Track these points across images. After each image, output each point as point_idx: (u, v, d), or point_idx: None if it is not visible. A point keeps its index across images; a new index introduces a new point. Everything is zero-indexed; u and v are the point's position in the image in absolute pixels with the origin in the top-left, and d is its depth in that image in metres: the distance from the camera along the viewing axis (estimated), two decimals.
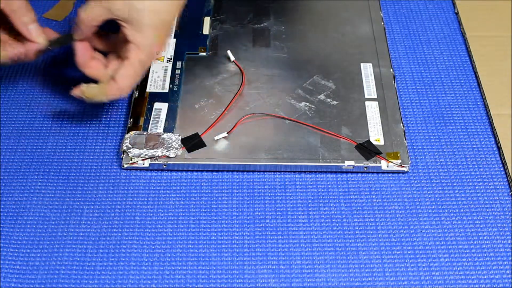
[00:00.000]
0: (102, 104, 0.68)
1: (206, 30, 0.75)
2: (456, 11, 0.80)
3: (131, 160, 0.62)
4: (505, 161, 0.64)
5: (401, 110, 0.66)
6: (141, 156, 0.62)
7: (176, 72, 0.70)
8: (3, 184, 0.62)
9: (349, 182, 0.62)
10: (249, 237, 0.58)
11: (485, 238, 0.58)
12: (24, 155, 0.65)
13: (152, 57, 0.61)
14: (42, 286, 0.55)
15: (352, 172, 0.63)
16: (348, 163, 0.62)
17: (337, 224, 0.59)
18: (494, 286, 0.55)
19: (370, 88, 0.69)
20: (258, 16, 0.76)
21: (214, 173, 0.63)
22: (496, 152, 0.65)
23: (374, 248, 0.57)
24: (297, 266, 0.56)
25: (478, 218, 0.59)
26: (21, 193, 0.62)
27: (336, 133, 0.64)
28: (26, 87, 0.71)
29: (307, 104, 0.67)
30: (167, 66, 0.71)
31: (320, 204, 0.61)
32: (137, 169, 0.63)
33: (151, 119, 0.65)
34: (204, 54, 0.72)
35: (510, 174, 0.63)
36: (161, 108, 0.66)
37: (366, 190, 0.62)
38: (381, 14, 0.77)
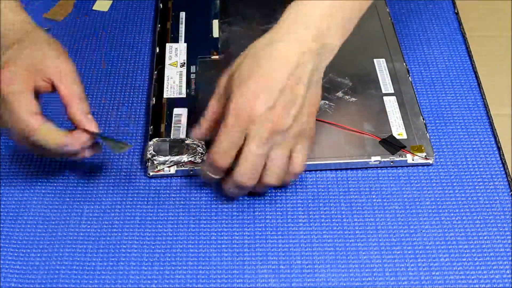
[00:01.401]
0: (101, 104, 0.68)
1: (215, 33, 0.75)
2: (456, 11, 0.80)
3: (157, 167, 0.61)
4: (505, 161, 0.64)
5: (419, 104, 0.67)
6: (167, 163, 0.61)
7: (191, 77, 0.70)
8: (3, 184, 0.62)
9: (349, 182, 0.62)
10: (249, 237, 0.58)
11: (485, 238, 0.58)
12: (24, 155, 0.65)
13: None
14: (42, 286, 0.55)
15: (379, 168, 0.63)
16: (375, 159, 0.62)
17: (337, 224, 0.59)
18: (494, 286, 0.55)
19: (386, 83, 0.69)
20: (265, 17, 0.76)
21: None
22: (496, 152, 0.65)
23: (374, 248, 0.57)
24: (297, 266, 0.56)
25: (478, 218, 0.59)
26: (21, 193, 0.62)
27: (359, 129, 0.64)
28: None
29: (326, 102, 0.67)
30: (181, 71, 0.71)
31: (320, 204, 0.61)
32: (162, 176, 0.62)
33: (172, 125, 0.65)
34: (217, 57, 0.72)
35: (510, 174, 0.63)
36: (181, 114, 0.66)
37: (366, 190, 0.62)
38: (388, 10, 0.77)
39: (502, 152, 0.64)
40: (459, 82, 0.72)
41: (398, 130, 0.65)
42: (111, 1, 0.83)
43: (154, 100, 0.68)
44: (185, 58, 0.72)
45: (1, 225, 0.59)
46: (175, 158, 0.61)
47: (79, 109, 0.56)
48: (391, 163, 0.63)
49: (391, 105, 0.67)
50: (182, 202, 0.61)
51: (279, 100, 0.53)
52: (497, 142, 0.66)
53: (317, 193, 0.61)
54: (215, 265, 0.56)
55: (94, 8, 0.82)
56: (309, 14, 0.54)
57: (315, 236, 0.58)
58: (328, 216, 0.60)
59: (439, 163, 0.64)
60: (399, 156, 0.63)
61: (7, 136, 0.59)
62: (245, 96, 0.53)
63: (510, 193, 0.61)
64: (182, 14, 0.78)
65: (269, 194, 0.61)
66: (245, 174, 0.55)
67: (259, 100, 0.52)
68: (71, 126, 0.56)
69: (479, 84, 0.71)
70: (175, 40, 0.75)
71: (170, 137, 0.64)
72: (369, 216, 0.60)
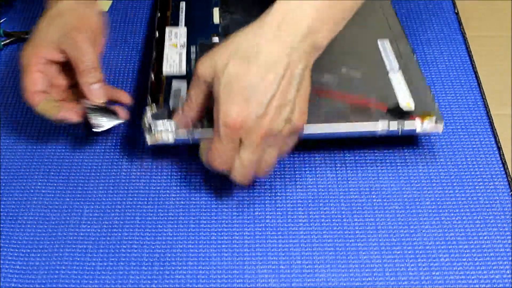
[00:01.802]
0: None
1: (216, 19, 0.74)
2: (456, 11, 0.80)
3: (155, 135, 0.59)
4: (505, 161, 0.64)
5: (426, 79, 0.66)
6: (167, 129, 0.59)
7: (192, 57, 0.69)
8: (3, 184, 0.62)
9: (349, 182, 0.62)
10: (249, 237, 0.58)
11: (485, 238, 0.58)
12: (24, 155, 0.65)
13: None
14: (42, 286, 0.55)
15: (385, 138, 0.61)
16: (382, 126, 0.61)
17: (337, 224, 0.59)
18: (494, 286, 0.55)
19: (390, 60, 0.68)
20: (266, 7, 0.75)
21: (214, 172, 0.63)
22: (496, 152, 0.65)
23: (374, 248, 0.57)
24: (297, 266, 0.56)
25: (478, 218, 0.59)
26: (21, 193, 0.62)
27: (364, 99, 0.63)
28: None
29: (330, 76, 0.66)
30: (181, 52, 0.69)
31: (320, 204, 0.61)
32: (161, 146, 0.60)
33: (171, 96, 0.63)
34: (217, 40, 0.71)
35: (510, 174, 0.63)
36: (180, 88, 0.65)
37: (366, 190, 0.62)
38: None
39: (502, 152, 0.64)
40: (459, 82, 0.72)
41: (405, 101, 0.63)
42: (111, 1, 0.83)
43: (152, 77, 0.66)
44: (185, 40, 0.71)
45: (1, 225, 0.59)
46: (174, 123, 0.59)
47: (83, 80, 0.60)
48: (399, 131, 0.61)
49: (397, 80, 0.65)
50: (182, 202, 0.61)
51: (270, 106, 0.52)
52: (497, 142, 0.66)
53: (317, 193, 0.61)
54: (215, 265, 0.56)
55: None
56: (299, 12, 0.53)
57: (315, 236, 0.58)
58: (328, 216, 0.60)
59: (439, 163, 0.64)
60: (407, 125, 0.61)
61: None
62: (235, 105, 0.51)
63: (510, 193, 0.61)
64: (182, 4, 0.77)
65: (269, 194, 0.61)
66: (240, 176, 0.55)
67: (250, 108, 0.51)
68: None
69: (479, 84, 0.71)
70: (175, 25, 0.74)
71: (169, 105, 0.62)
72: (369, 216, 0.60)
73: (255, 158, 0.54)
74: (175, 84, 0.65)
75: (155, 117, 0.60)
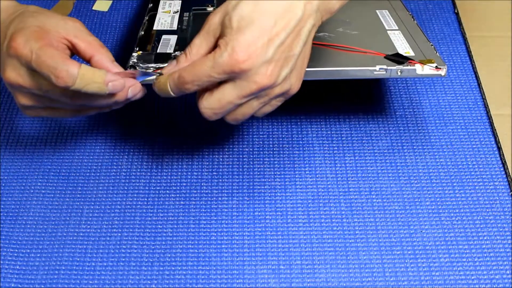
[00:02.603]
0: None
1: None
2: (456, 11, 0.80)
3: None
4: (505, 161, 0.64)
5: (427, 37, 0.64)
6: (150, 69, 0.56)
7: (184, 19, 0.67)
8: (3, 184, 0.62)
9: (349, 182, 0.62)
10: (249, 237, 0.58)
11: (485, 238, 0.58)
12: (24, 155, 0.65)
13: None
14: (42, 286, 0.55)
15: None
16: (380, 67, 0.58)
17: (337, 224, 0.59)
18: (494, 286, 0.55)
19: (390, 23, 0.66)
20: None
21: (214, 172, 0.63)
22: (496, 152, 0.65)
23: (374, 248, 0.57)
24: (297, 266, 0.56)
25: (478, 218, 0.59)
26: (21, 193, 0.62)
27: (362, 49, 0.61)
28: None
29: (326, 33, 0.64)
30: (174, 15, 0.67)
31: (320, 204, 0.61)
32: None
33: (160, 45, 0.61)
34: (211, 9, 0.69)
35: (510, 174, 0.63)
36: (170, 39, 0.62)
37: (366, 190, 0.62)
38: None
39: (502, 152, 0.64)
40: (459, 82, 0.72)
41: (405, 50, 0.61)
42: (111, 1, 0.83)
43: (142, 32, 0.64)
44: (179, 9, 0.69)
45: (1, 225, 0.59)
46: (159, 66, 0.56)
47: (103, 57, 0.53)
48: (399, 73, 0.58)
49: (395, 37, 0.64)
50: (182, 202, 0.61)
51: (277, 53, 0.49)
52: (497, 142, 0.66)
53: (317, 193, 0.61)
54: (215, 265, 0.56)
55: (94, 8, 0.82)
56: None
57: (315, 236, 0.58)
58: (328, 216, 0.60)
59: (439, 163, 0.64)
60: (408, 65, 0.58)
61: (51, 113, 0.55)
62: (244, 42, 0.48)
63: (510, 193, 0.61)
64: None
65: (269, 194, 0.61)
66: (209, 109, 0.52)
67: (259, 50, 0.49)
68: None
69: (479, 84, 0.71)
70: None
71: (157, 52, 0.60)
72: (369, 216, 0.60)
73: (236, 102, 0.51)
74: (165, 36, 0.63)
75: (140, 59, 0.58)
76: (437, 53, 0.61)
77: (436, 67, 0.59)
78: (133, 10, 0.82)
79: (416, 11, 0.80)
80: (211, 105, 0.51)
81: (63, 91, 0.51)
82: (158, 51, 0.60)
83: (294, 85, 0.52)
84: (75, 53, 0.55)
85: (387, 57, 0.60)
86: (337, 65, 0.59)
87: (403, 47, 0.62)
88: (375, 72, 0.58)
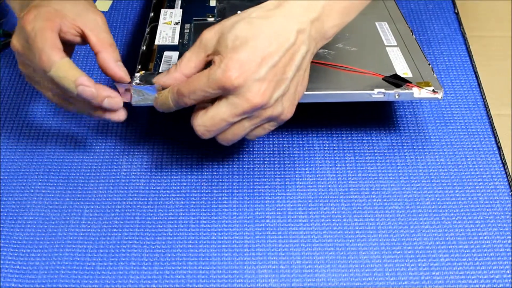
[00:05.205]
0: None
1: (213, 2, 0.73)
2: (456, 11, 0.80)
3: (143, 96, 0.57)
4: (505, 161, 0.64)
5: (425, 55, 0.65)
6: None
7: (185, 31, 0.68)
8: (3, 184, 0.62)
9: (349, 182, 0.62)
10: (249, 237, 0.58)
11: (485, 238, 0.58)
12: (24, 155, 0.65)
13: None
14: (42, 286, 0.55)
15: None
16: (378, 90, 0.59)
17: (337, 224, 0.59)
18: (494, 286, 0.55)
19: (388, 38, 0.67)
20: None
21: (214, 172, 0.63)
22: (496, 152, 0.65)
23: (374, 248, 0.57)
24: (297, 266, 0.56)
25: (478, 218, 0.59)
26: (21, 193, 0.62)
27: (360, 69, 0.62)
28: (26, 87, 0.71)
29: (326, 50, 0.65)
30: (175, 28, 0.68)
31: (320, 204, 0.61)
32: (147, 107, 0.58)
33: (161, 63, 0.62)
34: (212, 19, 0.70)
35: (510, 174, 0.63)
36: (171, 56, 0.64)
37: (366, 190, 0.62)
38: None
39: (502, 152, 0.64)
40: (459, 82, 0.72)
41: (403, 71, 0.62)
42: (111, 1, 0.83)
43: (144, 47, 0.65)
44: (180, 19, 0.70)
45: (1, 225, 0.59)
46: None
47: (109, 56, 0.57)
48: (396, 96, 0.59)
49: (394, 54, 0.64)
50: (182, 202, 0.61)
51: (268, 75, 0.51)
52: (497, 142, 0.66)
53: (317, 193, 0.61)
54: (215, 265, 0.56)
55: None
56: None
57: (315, 236, 0.58)
58: (328, 216, 0.60)
59: (439, 163, 0.64)
60: (405, 89, 0.59)
61: (41, 90, 0.59)
62: (238, 60, 0.50)
63: (510, 193, 0.61)
64: None
65: (269, 194, 0.61)
66: (202, 127, 0.54)
67: (253, 68, 0.50)
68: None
69: (479, 84, 0.71)
70: (171, 7, 0.73)
71: (158, 71, 0.60)
72: (369, 216, 0.60)
73: (229, 120, 0.52)
74: (166, 53, 0.64)
75: (143, 79, 0.59)
76: (434, 74, 0.62)
77: (433, 91, 0.60)
78: (133, 10, 0.82)
79: (416, 11, 0.80)
80: (204, 122, 0.53)
81: (44, 73, 0.55)
82: (160, 70, 0.61)
83: (286, 110, 0.54)
84: (88, 43, 0.58)
85: (385, 79, 0.61)
86: (336, 88, 0.60)
87: (401, 67, 0.63)
88: (374, 96, 0.59)
